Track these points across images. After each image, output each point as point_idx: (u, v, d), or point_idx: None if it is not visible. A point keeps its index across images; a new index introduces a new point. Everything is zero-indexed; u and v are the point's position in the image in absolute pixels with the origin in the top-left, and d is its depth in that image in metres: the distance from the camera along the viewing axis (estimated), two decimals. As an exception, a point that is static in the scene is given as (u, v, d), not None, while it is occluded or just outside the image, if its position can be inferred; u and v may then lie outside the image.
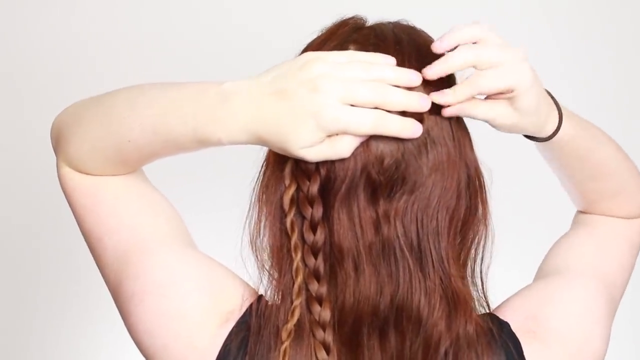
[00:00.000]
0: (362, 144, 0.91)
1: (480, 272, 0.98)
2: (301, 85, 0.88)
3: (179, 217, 1.04)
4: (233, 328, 0.96)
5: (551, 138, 1.00)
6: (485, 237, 0.97)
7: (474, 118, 0.93)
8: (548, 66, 2.13)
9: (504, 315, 0.99)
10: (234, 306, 0.97)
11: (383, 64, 0.90)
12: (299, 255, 0.93)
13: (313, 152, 0.89)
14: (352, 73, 0.88)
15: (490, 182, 0.98)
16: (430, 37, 0.97)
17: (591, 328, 1.00)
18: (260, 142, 0.91)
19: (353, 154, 0.91)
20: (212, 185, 2.06)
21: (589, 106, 2.15)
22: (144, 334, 0.97)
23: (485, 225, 0.97)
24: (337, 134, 0.89)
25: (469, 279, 0.97)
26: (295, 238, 0.93)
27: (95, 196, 1.01)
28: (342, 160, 0.91)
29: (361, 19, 0.99)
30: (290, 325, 0.92)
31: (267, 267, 0.96)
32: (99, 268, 1.03)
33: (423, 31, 0.98)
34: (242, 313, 0.96)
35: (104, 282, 1.03)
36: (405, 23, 0.99)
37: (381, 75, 0.89)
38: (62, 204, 1.07)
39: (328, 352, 0.92)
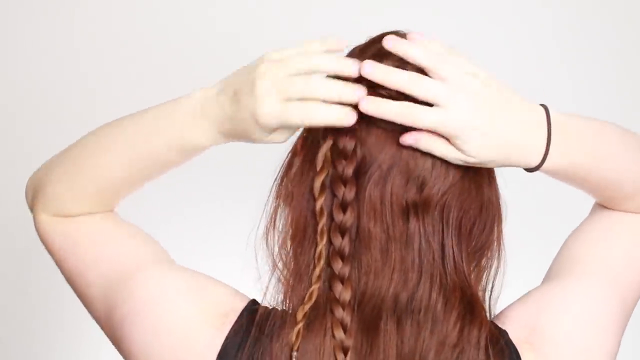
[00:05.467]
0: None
1: (489, 300, 0.99)
2: (245, 85, 0.92)
3: (154, 239, 1.07)
4: (230, 330, 0.96)
5: (535, 170, 0.96)
6: (498, 265, 0.98)
7: (431, 152, 0.92)
8: (549, 65, 2.14)
9: (502, 323, 0.99)
10: (227, 309, 0.97)
11: (325, 56, 0.92)
12: (325, 239, 0.94)
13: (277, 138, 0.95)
14: (290, 68, 0.91)
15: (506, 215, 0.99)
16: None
17: (592, 336, 0.99)
18: (238, 140, 0.96)
19: (397, 142, 0.92)
20: (221, 181, 2.06)
21: (588, 105, 2.15)
22: (140, 355, 0.98)
23: (499, 252, 0.98)
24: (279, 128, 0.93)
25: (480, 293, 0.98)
26: (323, 222, 0.94)
27: (72, 236, 1.05)
28: (383, 146, 0.93)
29: (404, 35, 0.97)
30: (307, 306, 0.93)
31: (282, 254, 0.97)
32: (86, 307, 1.06)
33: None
34: (238, 314, 0.97)
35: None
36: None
37: (321, 66, 0.92)
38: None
39: (346, 330, 0.92)
